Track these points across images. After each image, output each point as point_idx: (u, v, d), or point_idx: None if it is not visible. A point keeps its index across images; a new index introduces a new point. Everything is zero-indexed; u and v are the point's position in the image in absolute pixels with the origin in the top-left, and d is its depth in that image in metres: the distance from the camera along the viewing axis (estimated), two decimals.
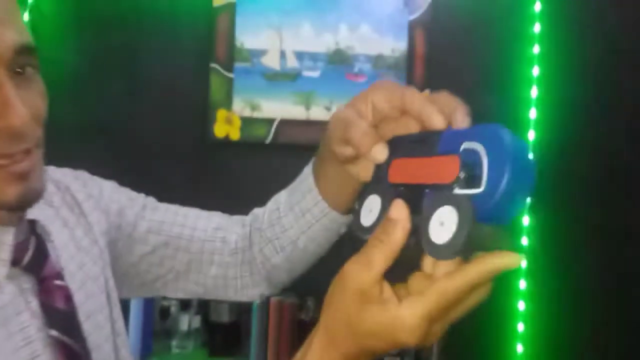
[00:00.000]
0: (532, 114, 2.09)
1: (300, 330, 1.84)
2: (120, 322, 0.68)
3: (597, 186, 2.05)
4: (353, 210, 0.49)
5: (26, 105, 0.52)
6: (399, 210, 0.44)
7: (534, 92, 2.09)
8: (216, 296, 0.78)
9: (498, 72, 2.08)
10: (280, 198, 0.72)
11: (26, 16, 1.98)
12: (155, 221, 0.75)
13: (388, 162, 0.49)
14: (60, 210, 0.67)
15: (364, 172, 0.58)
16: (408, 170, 0.47)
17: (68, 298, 0.60)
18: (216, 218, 0.78)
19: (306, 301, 1.91)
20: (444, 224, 0.40)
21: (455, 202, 0.40)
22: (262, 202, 0.79)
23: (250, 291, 0.78)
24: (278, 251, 0.72)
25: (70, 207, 0.69)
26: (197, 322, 1.90)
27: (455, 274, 0.42)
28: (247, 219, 0.78)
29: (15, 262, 0.56)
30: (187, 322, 1.87)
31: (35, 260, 0.58)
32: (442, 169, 0.43)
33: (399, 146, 0.49)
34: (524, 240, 2.05)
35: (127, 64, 2.05)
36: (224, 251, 0.76)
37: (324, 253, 0.72)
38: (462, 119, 0.46)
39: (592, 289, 2.01)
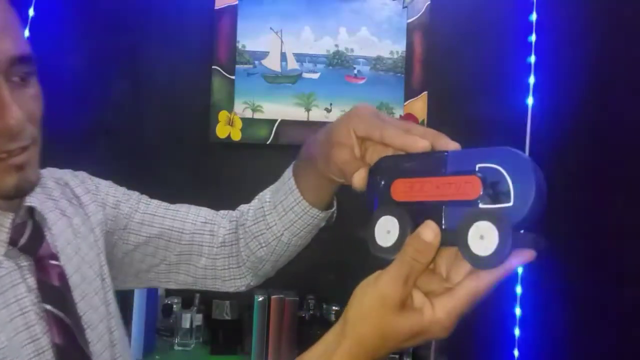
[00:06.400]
0: (529, 115, 2.12)
1: (301, 327, 1.87)
2: (113, 305, 0.73)
3: (591, 189, 2.08)
4: (364, 232, 0.53)
5: (22, 108, 0.57)
6: (433, 232, 0.48)
7: (531, 95, 2.12)
8: (205, 286, 0.84)
9: (495, 73, 2.11)
10: (265, 197, 0.78)
11: (29, 19, 2.01)
12: (148, 214, 0.81)
13: (389, 183, 0.53)
14: (60, 202, 0.73)
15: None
16: (416, 190, 0.51)
17: (62, 276, 0.65)
18: (204, 212, 0.84)
19: (306, 299, 1.94)
20: (484, 237, 0.45)
21: (492, 216, 0.45)
22: None
23: (238, 282, 0.83)
24: (263, 245, 0.77)
25: (69, 199, 0.75)
26: (199, 319, 1.92)
27: (482, 274, 0.47)
28: (234, 214, 0.83)
29: (13, 242, 0.62)
30: (189, 319, 1.89)
31: (31, 242, 0.63)
32: (461, 187, 0.48)
33: (396, 167, 0.53)
34: None
35: (130, 66, 2.07)
36: (213, 243, 0.81)
37: (306, 244, 0.78)
38: (453, 143, 0.52)
39: (586, 289, 2.04)
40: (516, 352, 2.09)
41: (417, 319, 0.48)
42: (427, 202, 0.50)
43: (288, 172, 0.75)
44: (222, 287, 0.84)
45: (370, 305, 0.49)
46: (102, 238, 0.76)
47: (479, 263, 0.46)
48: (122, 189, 0.83)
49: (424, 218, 0.48)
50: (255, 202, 0.81)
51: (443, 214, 0.48)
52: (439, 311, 0.48)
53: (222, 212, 0.85)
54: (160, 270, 0.82)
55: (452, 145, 0.52)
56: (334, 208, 0.75)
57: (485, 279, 0.47)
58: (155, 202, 0.84)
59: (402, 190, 0.52)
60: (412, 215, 0.50)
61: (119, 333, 0.72)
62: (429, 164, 0.51)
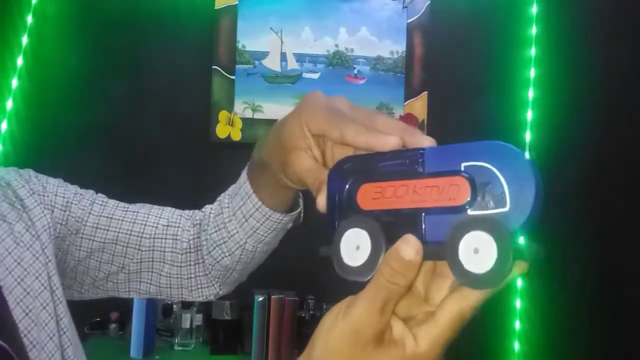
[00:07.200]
0: (529, 115, 2.12)
1: (301, 327, 1.87)
2: (67, 319, 0.65)
3: (592, 187, 2.08)
4: (327, 249, 0.45)
5: None
6: (414, 248, 0.40)
7: (531, 94, 2.12)
8: (170, 296, 0.77)
9: (495, 73, 2.11)
10: (224, 201, 0.71)
11: (30, 18, 2.01)
12: (104, 217, 0.73)
13: (354, 188, 0.45)
14: (0, 205, 0.65)
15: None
16: (389, 195, 0.43)
17: None
18: (167, 214, 0.76)
19: (306, 299, 1.94)
20: (479, 251, 0.38)
21: (486, 225, 0.38)
22: None
23: (205, 291, 0.76)
24: (227, 254, 0.70)
25: (11, 202, 0.66)
26: (199, 319, 1.93)
27: (466, 292, 0.40)
28: (198, 216, 0.76)
29: None
30: (189, 319, 1.90)
31: None
32: (444, 190, 0.40)
33: (362, 169, 0.45)
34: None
35: (130, 66, 2.08)
36: (176, 249, 0.74)
37: (275, 248, 0.72)
38: (427, 139, 0.44)
39: (586, 287, 2.04)
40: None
41: (397, 354, 0.40)
42: (402, 209, 0.42)
43: (243, 175, 0.67)
44: (189, 297, 0.76)
45: (340, 341, 0.41)
46: (50, 245, 0.67)
47: (474, 282, 0.38)
48: (74, 188, 0.74)
49: (400, 229, 0.41)
50: (215, 205, 0.72)
51: (423, 223, 0.41)
52: (422, 342, 0.40)
53: (187, 212, 0.76)
54: (120, 279, 0.74)
55: (426, 142, 0.44)
56: (300, 208, 0.68)
57: (471, 299, 0.40)
58: (112, 202, 0.75)
59: (372, 196, 0.44)
60: (386, 227, 0.42)
61: (73, 349, 0.65)
62: (403, 164, 0.43)
